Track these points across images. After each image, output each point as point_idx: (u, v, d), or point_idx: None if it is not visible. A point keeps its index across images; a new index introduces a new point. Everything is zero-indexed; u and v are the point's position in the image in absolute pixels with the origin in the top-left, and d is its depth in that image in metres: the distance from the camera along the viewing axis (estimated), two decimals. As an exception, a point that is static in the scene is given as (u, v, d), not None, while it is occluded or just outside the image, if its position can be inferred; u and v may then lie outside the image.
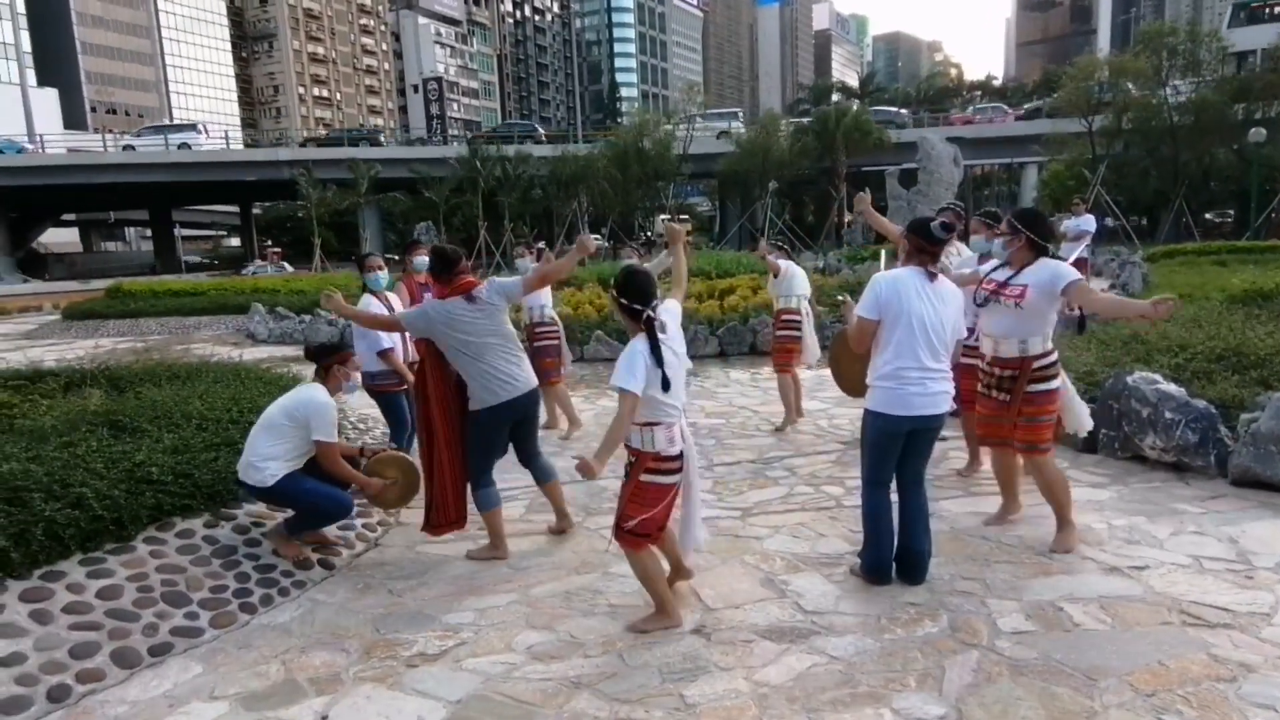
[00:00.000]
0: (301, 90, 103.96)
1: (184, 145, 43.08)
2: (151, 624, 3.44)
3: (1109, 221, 25.15)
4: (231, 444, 4.74)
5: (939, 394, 3.49)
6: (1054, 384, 3.91)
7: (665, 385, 3.11)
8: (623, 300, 3.19)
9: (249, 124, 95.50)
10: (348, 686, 3.05)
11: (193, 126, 46.83)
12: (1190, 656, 2.91)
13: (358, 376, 4.47)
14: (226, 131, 56.26)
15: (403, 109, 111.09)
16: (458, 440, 4.16)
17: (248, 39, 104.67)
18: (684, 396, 3.29)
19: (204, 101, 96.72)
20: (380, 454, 4.47)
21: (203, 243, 74.60)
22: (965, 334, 3.79)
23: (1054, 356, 3.93)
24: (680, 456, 3.25)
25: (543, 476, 4.44)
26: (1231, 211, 35.69)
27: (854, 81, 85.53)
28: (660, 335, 3.16)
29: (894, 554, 3.62)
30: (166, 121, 54.65)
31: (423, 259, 6.66)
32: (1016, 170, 48.76)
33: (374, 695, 2.98)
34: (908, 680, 2.88)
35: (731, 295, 11.81)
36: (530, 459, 4.43)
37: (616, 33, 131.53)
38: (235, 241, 71.35)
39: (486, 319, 4.06)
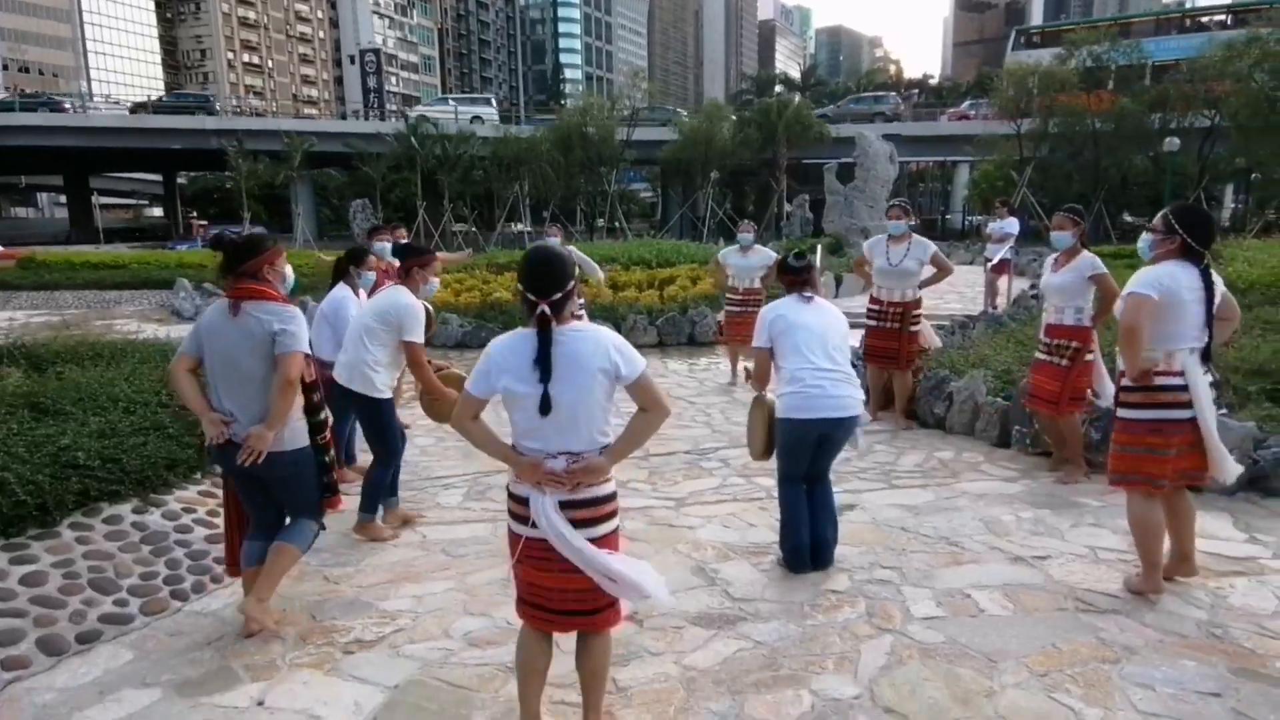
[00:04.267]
0: (230, 55, 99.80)
1: None
2: (79, 611, 3.40)
3: (1033, 222, 26.16)
4: (161, 428, 4.67)
5: (843, 397, 3.74)
6: (1141, 414, 3.35)
7: (544, 407, 2.30)
8: (518, 285, 2.42)
9: (174, 88, 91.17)
10: (284, 673, 3.08)
11: None
12: (1080, 640, 3.16)
13: (435, 281, 4.59)
14: (149, 95, 53.59)
15: (338, 80, 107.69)
16: None
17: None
18: (587, 438, 2.36)
19: (124, 63, 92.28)
20: (446, 369, 4.67)
21: (122, 212, 71.25)
22: (855, 342, 3.97)
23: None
24: (526, 503, 2.38)
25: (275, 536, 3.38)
26: (1147, 217, 37.40)
27: (797, 73, 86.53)
28: (567, 332, 2.33)
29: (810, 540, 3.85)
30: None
31: (384, 244, 6.62)
32: (950, 169, 50.18)
33: (311, 681, 3.02)
34: (826, 663, 3.06)
35: (671, 285, 11.91)
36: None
37: (561, 12, 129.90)
38: (158, 211, 68.41)
39: (243, 341, 3.11)
